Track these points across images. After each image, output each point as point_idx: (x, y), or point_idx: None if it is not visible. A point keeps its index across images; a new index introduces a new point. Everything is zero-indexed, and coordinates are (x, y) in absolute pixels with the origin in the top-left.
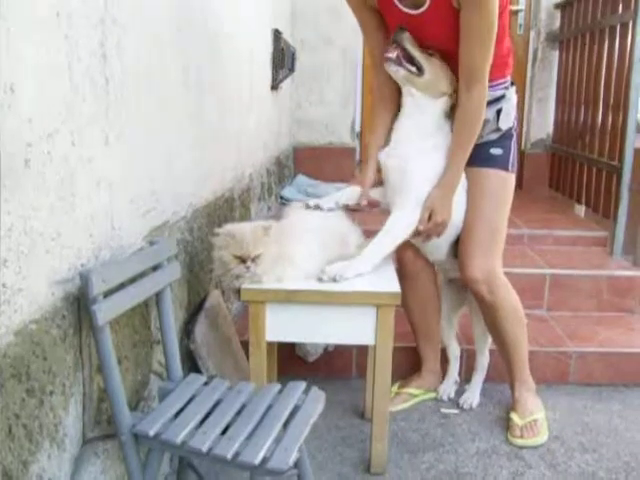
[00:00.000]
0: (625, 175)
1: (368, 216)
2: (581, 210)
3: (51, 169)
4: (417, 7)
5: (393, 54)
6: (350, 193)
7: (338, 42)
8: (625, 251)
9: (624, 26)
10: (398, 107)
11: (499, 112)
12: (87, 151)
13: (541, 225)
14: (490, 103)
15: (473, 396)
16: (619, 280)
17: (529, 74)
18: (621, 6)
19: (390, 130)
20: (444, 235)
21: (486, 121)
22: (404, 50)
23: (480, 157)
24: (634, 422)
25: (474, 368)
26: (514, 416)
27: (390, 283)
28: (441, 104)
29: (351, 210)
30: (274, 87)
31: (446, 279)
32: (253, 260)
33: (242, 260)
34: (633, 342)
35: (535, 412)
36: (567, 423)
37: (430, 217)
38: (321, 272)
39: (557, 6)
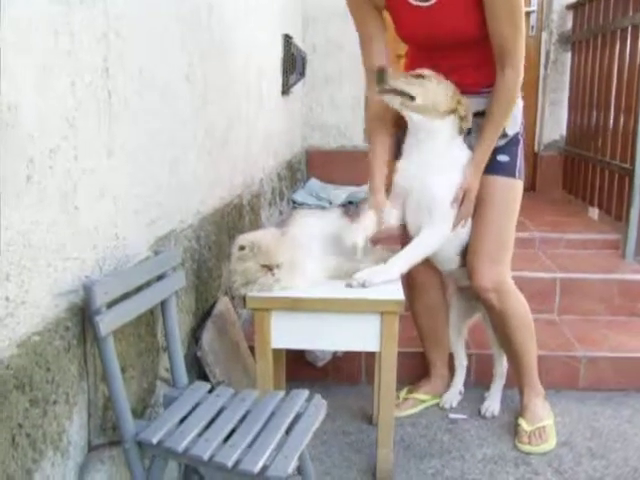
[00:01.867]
0: (637, 177)
1: None
2: (594, 213)
3: (53, 183)
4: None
5: (384, 87)
6: (368, 227)
7: (349, 46)
8: (639, 253)
9: (635, 28)
10: (394, 123)
11: None
12: (90, 164)
13: (553, 228)
14: None
15: (494, 404)
16: (631, 284)
17: (541, 76)
18: (632, 8)
19: (392, 150)
20: (456, 245)
21: None
22: (391, 88)
23: (487, 165)
24: None
25: (493, 376)
26: (522, 422)
27: (394, 291)
28: (447, 124)
29: (373, 242)
30: (285, 92)
31: (456, 288)
32: (277, 267)
33: (269, 269)
34: None
35: (544, 419)
36: (576, 428)
37: (464, 197)
38: (351, 278)
39: (569, 7)
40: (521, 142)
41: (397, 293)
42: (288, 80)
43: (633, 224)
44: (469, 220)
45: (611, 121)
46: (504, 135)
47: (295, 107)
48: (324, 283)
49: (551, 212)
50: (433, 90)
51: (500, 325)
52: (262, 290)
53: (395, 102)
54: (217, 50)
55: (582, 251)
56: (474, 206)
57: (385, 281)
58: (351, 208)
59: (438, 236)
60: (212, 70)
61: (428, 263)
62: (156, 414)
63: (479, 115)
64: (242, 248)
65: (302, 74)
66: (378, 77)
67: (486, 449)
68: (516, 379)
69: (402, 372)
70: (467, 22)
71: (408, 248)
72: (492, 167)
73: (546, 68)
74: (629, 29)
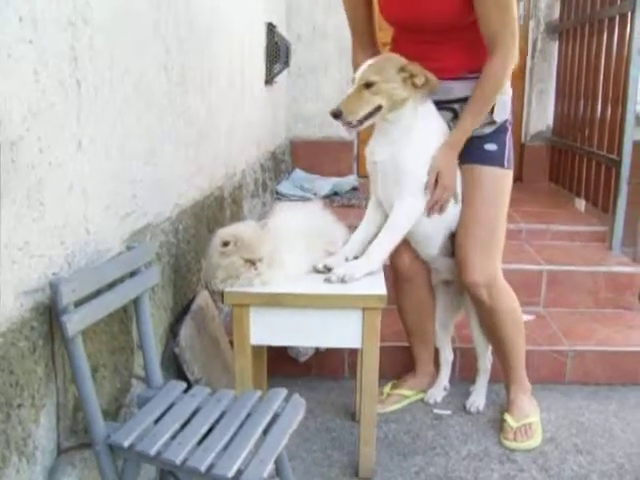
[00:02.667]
0: (624, 169)
1: (362, 212)
2: (581, 204)
3: (16, 177)
4: None
5: (351, 132)
6: (354, 243)
7: (334, 36)
8: (625, 245)
9: (623, 17)
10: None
11: (493, 104)
12: (57, 157)
13: (539, 220)
14: None
15: (479, 399)
16: (617, 276)
17: (529, 65)
18: None
19: None
20: (436, 224)
21: None
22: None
23: (474, 153)
24: (630, 422)
25: (477, 371)
26: (508, 418)
27: (376, 285)
28: (411, 103)
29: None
30: (268, 82)
31: (440, 282)
32: (260, 261)
33: (252, 263)
34: (631, 340)
35: (530, 415)
36: (562, 424)
37: (437, 181)
38: (331, 273)
39: None
40: (509, 130)
41: (379, 288)
42: (272, 69)
43: (620, 216)
44: (449, 206)
45: (598, 111)
46: (492, 122)
47: (279, 97)
48: (305, 278)
49: (537, 203)
50: (386, 88)
51: (489, 321)
52: (244, 285)
53: (369, 123)
54: (197, 38)
55: (568, 243)
56: (462, 197)
57: (367, 274)
58: (335, 199)
59: (409, 212)
60: (191, 59)
61: (415, 257)
62: (131, 414)
63: (461, 101)
64: (226, 244)
65: (286, 63)
66: (342, 119)
67: (470, 445)
68: (503, 375)
69: (386, 367)
70: (453, 5)
71: (382, 233)
72: (479, 156)
73: (533, 57)
74: (617, 18)
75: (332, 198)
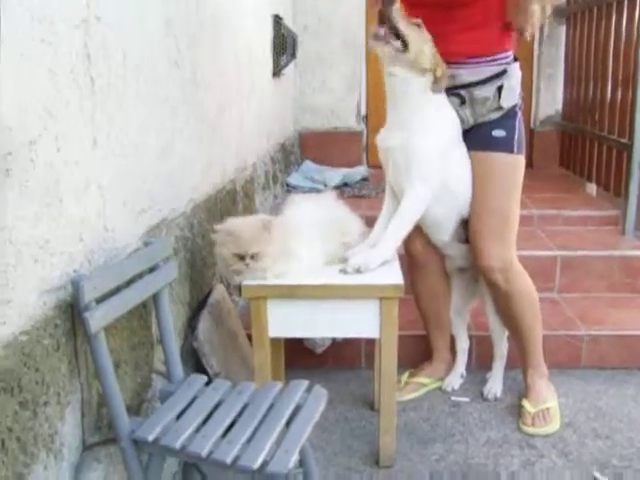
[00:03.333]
0: (636, 152)
1: (373, 202)
2: (592, 189)
3: (34, 176)
4: None
5: (381, 31)
6: (377, 234)
7: (340, 26)
8: (638, 229)
9: (631, 1)
10: None
11: (500, 89)
12: (73, 155)
13: (551, 205)
14: (490, 79)
15: (496, 386)
16: (631, 260)
17: (536, 51)
18: None
19: None
20: (447, 210)
21: (486, 99)
22: (391, 24)
23: (482, 140)
24: None
25: (493, 357)
26: (526, 404)
27: (393, 275)
28: (425, 82)
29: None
30: (276, 74)
31: (455, 269)
32: (252, 257)
33: (241, 257)
34: None
35: (548, 400)
36: (580, 409)
37: None
38: (346, 264)
39: None
40: (519, 114)
41: (396, 277)
42: (279, 62)
43: (632, 200)
44: (468, 182)
45: (608, 95)
46: (499, 108)
47: (287, 89)
48: (322, 269)
49: (548, 189)
50: (422, 43)
51: (505, 306)
52: (235, 277)
53: (385, 52)
54: (206, 33)
55: (581, 228)
56: (473, 184)
57: (382, 263)
58: (346, 190)
59: (419, 198)
60: (202, 54)
61: (428, 243)
62: (153, 409)
63: (468, 86)
64: (215, 231)
65: (293, 55)
66: (386, 4)
67: (489, 432)
68: (520, 360)
69: (403, 356)
70: None
71: (394, 221)
72: (487, 143)
73: (541, 43)
74: (625, 1)
75: (342, 189)
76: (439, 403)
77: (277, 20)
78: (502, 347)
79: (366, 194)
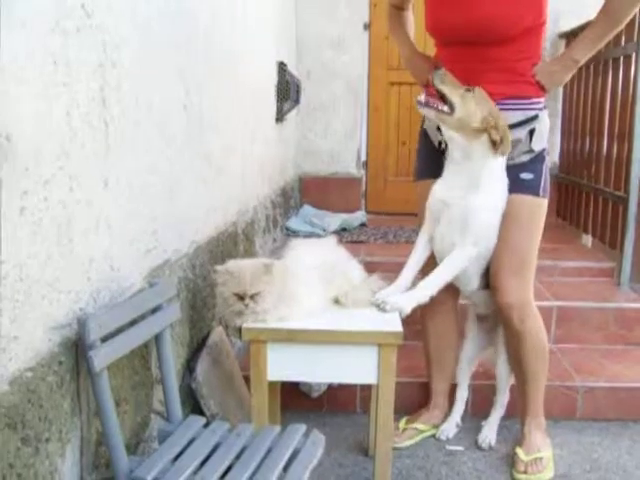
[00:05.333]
0: (631, 205)
1: (371, 248)
2: (588, 240)
3: (47, 215)
4: None
5: (422, 99)
6: (406, 279)
7: (343, 73)
8: (633, 281)
9: (627, 58)
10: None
11: (532, 132)
12: (85, 195)
13: (547, 255)
14: (523, 123)
15: (492, 434)
16: (626, 312)
17: None
18: (624, 38)
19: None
20: (479, 261)
21: (517, 141)
22: (437, 89)
23: (510, 182)
24: None
25: (494, 405)
26: (520, 452)
27: (392, 322)
28: (482, 144)
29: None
30: (279, 119)
31: (475, 317)
32: (252, 298)
33: (241, 297)
34: None
35: (542, 450)
36: (575, 460)
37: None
38: (382, 302)
39: (561, 36)
40: (546, 159)
41: (395, 324)
42: (282, 107)
43: (627, 252)
44: (492, 241)
45: (604, 148)
46: (530, 151)
47: (289, 134)
48: (322, 312)
49: (545, 239)
50: (472, 105)
51: (516, 346)
52: (239, 318)
53: (430, 115)
54: (214, 78)
55: (577, 279)
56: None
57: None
58: (344, 235)
59: (465, 259)
60: (209, 98)
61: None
62: (150, 449)
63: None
64: (216, 271)
65: (296, 101)
66: (434, 73)
67: None
68: (520, 407)
69: (399, 402)
70: (508, 6)
71: (438, 271)
72: (516, 185)
73: None
74: (621, 59)
75: (341, 234)
76: (434, 451)
77: (282, 67)
78: (504, 396)
79: (364, 240)
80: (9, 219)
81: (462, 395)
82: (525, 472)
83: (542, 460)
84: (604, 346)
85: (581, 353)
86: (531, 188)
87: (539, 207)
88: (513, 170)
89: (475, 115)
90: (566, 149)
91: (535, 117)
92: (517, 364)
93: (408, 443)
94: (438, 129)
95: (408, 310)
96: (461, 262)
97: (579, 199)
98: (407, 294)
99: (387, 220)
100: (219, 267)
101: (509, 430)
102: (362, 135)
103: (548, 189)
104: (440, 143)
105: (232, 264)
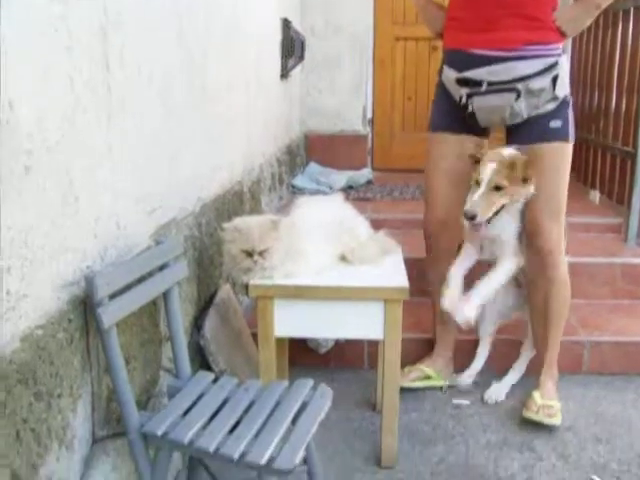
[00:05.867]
0: (639, 161)
1: (378, 205)
2: (595, 196)
3: (51, 180)
4: None
5: (473, 227)
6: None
7: (348, 29)
8: None
9: (637, 10)
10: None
11: (555, 80)
12: (89, 159)
13: None
14: (544, 71)
15: (500, 393)
16: (633, 267)
17: None
18: None
19: None
20: (492, 308)
21: (541, 90)
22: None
23: (540, 133)
24: None
25: (512, 368)
26: (536, 394)
27: (398, 277)
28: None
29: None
30: (283, 76)
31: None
32: (260, 254)
33: (249, 254)
34: None
35: (554, 399)
36: (580, 414)
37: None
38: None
39: None
40: (570, 104)
41: (401, 280)
42: (287, 64)
43: (635, 208)
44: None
45: (613, 103)
46: (554, 98)
47: (294, 91)
48: (328, 270)
49: None
50: (512, 192)
51: (543, 293)
52: (247, 275)
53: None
54: (217, 38)
55: (584, 234)
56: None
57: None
58: (351, 193)
59: (510, 269)
60: (213, 58)
61: (445, 224)
62: (160, 405)
63: (524, 79)
64: (223, 229)
65: (301, 57)
66: (476, 221)
67: (490, 435)
68: (539, 356)
69: (405, 358)
70: None
71: (487, 279)
72: (547, 134)
73: None
74: (631, 11)
75: (347, 191)
76: (440, 405)
77: (286, 24)
78: (525, 363)
79: (371, 197)
80: (16, 176)
81: (482, 352)
82: (537, 412)
83: (553, 408)
84: (611, 301)
85: (588, 308)
86: (561, 135)
87: (567, 151)
88: (542, 119)
89: (517, 189)
90: (574, 104)
91: (555, 64)
92: (544, 312)
93: (415, 385)
94: (458, 82)
95: (471, 317)
96: (508, 274)
97: (587, 155)
98: (464, 299)
99: (393, 177)
100: (226, 224)
101: (515, 385)
102: (368, 91)
103: (574, 132)
104: (461, 98)
105: (239, 221)
